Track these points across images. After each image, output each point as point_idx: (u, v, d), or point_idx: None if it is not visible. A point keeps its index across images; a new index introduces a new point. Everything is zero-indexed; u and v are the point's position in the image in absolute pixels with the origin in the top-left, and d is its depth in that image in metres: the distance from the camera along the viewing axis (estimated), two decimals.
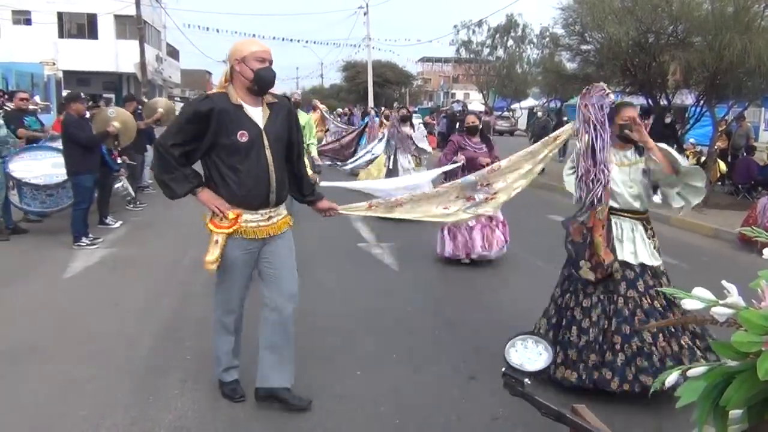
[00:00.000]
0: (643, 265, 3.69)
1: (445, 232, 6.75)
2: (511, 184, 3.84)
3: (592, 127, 3.49)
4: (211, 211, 3.30)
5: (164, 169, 3.28)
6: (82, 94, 9.00)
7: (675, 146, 9.62)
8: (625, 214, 3.74)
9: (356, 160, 12.93)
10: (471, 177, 4.00)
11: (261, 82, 3.24)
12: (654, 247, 3.77)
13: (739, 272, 1.56)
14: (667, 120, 12.69)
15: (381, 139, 11.50)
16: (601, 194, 3.52)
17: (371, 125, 14.56)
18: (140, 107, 12.04)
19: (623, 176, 3.71)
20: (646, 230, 3.78)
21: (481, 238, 6.63)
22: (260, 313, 3.45)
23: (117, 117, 8.22)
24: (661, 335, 3.56)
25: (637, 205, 3.75)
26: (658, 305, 3.63)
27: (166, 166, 3.27)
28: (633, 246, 3.71)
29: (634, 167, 3.74)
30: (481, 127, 7.03)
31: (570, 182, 3.90)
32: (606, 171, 3.52)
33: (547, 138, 3.84)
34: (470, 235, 6.63)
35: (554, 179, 13.86)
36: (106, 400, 3.55)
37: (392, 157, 9.93)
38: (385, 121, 14.21)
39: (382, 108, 28.20)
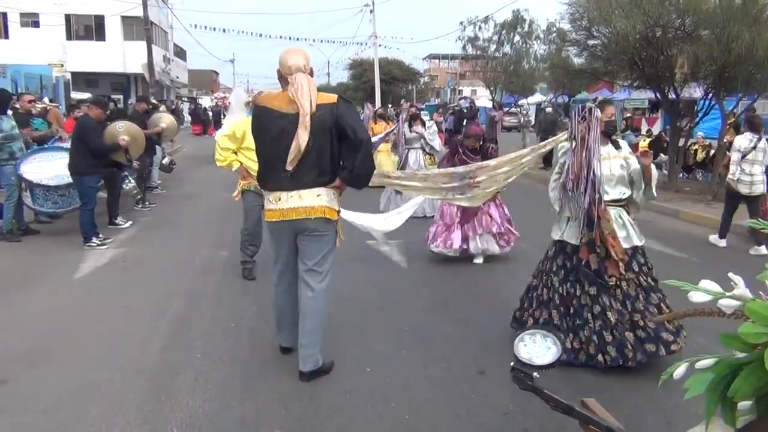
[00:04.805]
0: (634, 247, 4.03)
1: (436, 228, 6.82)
2: (496, 176, 4.39)
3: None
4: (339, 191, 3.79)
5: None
6: (113, 102, 8.93)
7: None
8: (610, 203, 4.00)
9: None
10: (460, 169, 4.58)
11: None
12: (636, 228, 4.12)
13: (749, 265, 1.54)
14: None
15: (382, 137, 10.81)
16: (596, 211, 3.80)
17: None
18: (153, 108, 12.34)
19: (605, 170, 3.98)
20: (628, 214, 4.12)
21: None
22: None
23: (125, 131, 8.25)
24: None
25: (617, 194, 4.07)
26: (650, 280, 4.03)
27: None
28: (625, 231, 4.02)
29: (614, 161, 4.08)
30: (483, 135, 6.87)
31: (554, 197, 4.16)
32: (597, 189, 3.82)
33: (535, 146, 4.45)
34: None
35: None
36: (119, 399, 3.59)
37: (404, 157, 9.89)
38: (380, 119, 14.12)
39: (389, 105, 28.06)
